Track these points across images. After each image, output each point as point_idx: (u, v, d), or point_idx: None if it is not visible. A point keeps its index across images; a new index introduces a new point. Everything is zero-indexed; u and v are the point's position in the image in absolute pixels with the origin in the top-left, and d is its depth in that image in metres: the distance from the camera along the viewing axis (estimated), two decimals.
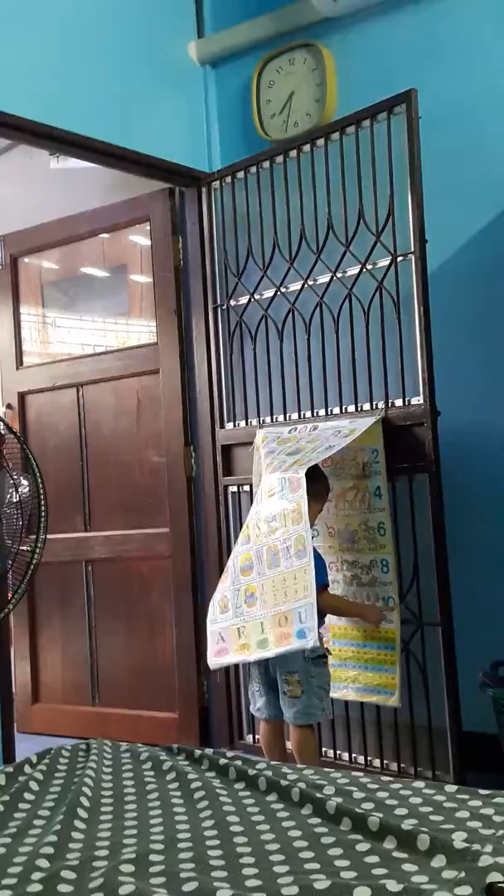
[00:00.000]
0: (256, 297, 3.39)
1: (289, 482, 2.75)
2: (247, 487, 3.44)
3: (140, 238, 3.84)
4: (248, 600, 2.86)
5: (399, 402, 2.94)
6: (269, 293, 3.34)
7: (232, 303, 3.50)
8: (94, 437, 3.91)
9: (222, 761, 1.94)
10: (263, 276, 3.34)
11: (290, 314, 3.28)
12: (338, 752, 3.17)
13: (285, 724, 2.83)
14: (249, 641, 2.80)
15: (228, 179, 3.48)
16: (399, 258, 2.92)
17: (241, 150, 3.53)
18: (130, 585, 3.82)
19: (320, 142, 3.16)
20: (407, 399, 2.92)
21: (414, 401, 2.90)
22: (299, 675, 2.71)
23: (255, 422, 3.41)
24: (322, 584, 2.74)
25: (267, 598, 2.76)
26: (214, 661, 2.91)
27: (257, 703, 2.88)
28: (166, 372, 3.67)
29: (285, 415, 3.30)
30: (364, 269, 3.02)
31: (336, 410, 3.13)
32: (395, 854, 1.45)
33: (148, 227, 3.72)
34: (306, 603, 2.61)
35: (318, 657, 2.73)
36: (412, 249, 2.88)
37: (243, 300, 3.44)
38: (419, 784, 1.80)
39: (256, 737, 3.43)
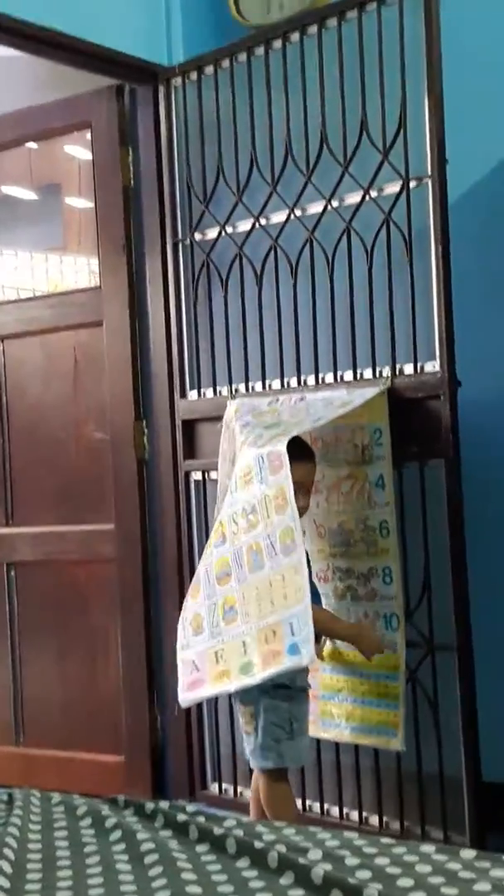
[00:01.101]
0: (229, 229, 3.37)
1: (268, 460, 2.72)
2: (214, 474, 3.43)
3: (78, 150, 3.82)
4: (226, 615, 2.85)
5: (409, 369, 2.95)
6: (245, 225, 3.33)
7: (197, 237, 3.49)
8: (18, 407, 3.89)
9: (181, 817, 1.95)
10: (238, 202, 3.33)
11: (272, 253, 3.27)
12: (325, 806, 3.21)
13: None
14: (230, 667, 2.79)
15: (194, 76, 3.46)
16: (412, 183, 2.92)
17: (211, 38, 3.51)
18: (65, 596, 3.83)
19: (312, 29, 3.15)
20: (419, 365, 2.93)
21: (428, 367, 2.91)
22: (254, 707, 2.75)
23: (224, 391, 3.42)
24: None
25: (250, 609, 2.73)
26: (187, 696, 2.90)
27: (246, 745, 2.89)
28: (112, 324, 3.67)
29: (264, 383, 3.31)
30: (367, 197, 3.02)
31: (329, 378, 3.13)
32: None
33: (88, 136, 3.69)
34: (299, 610, 2.57)
35: (278, 686, 2.74)
36: (428, 173, 2.87)
37: (212, 234, 3.43)
38: (428, 848, 1.82)
39: (224, 786, 3.47)
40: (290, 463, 2.65)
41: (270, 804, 2.80)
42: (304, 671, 2.77)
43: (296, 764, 2.88)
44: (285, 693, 2.77)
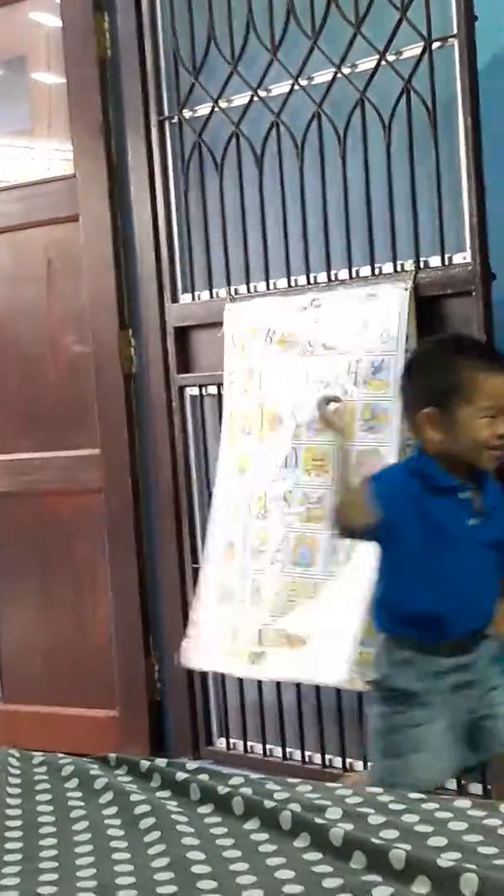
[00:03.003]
0: (223, 104, 3.34)
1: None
2: (213, 389, 3.43)
3: (45, 16, 3.76)
4: (254, 596, 3.03)
5: (435, 262, 2.93)
6: (241, 99, 3.30)
7: (187, 114, 3.45)
8: None
9: (180, 776, 1.94)
10: (233, 72, 3.30)
11: (275, 130, 3.24)
12: (349, 761, 3.23)
13: None
14: (240, 650, 2.97)
15: None
16: (434, 45, 2.88)
17: None
18: (46, 532, 3.83)
19: None
20: (447, 256, 2.91)
21: (457, 258, 2.89)
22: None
23: (222, 292, 3.40)
24: None
25: (280, 601, 2.90)
26: (192, 658, 3.05)
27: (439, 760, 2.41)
28: (89, 219, 3.64)
29: (267, 282, 3.29)
30: (383, 62, 2.97)
31: (343, 275, 3.11)
32: None
33: None
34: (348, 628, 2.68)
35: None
36: (454, 31, 2.83)
37: (204, 110, 3.40)
38: (464, 803, 1.80)
39: (232, 741, 3.49)
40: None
41: None
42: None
43: None
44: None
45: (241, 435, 3.21)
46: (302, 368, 3.04)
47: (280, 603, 2.96)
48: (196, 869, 1.62)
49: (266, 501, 3.07)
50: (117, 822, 1.82)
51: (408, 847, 1.59)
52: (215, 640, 3.07)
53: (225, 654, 3.01)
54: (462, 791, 2.95)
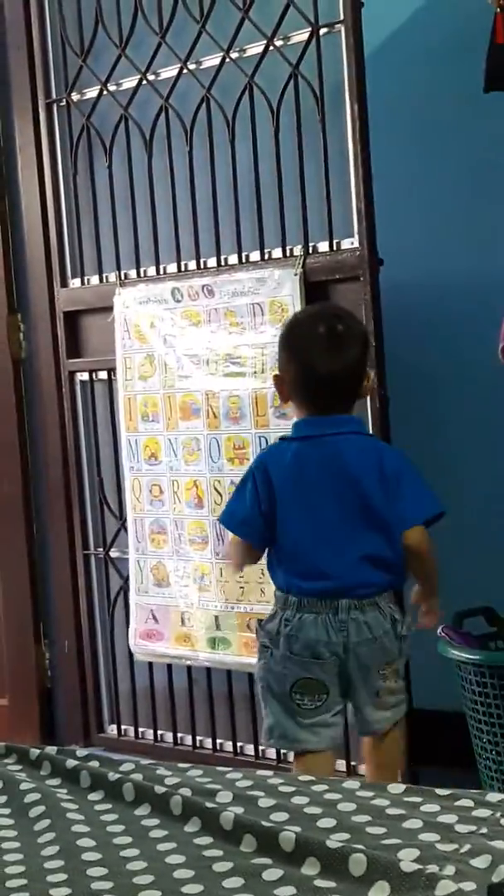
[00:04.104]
0: (112, 87, 3.32)
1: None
2: (103, 374, 3.41)
3: None
4: (198, 582, 3.10)
5: (324, 247, 2.94)
6: (130, 82, 3.28)
7: (75, 97, 3.42)
8: None
9: (70, 763, 1.93)
10: (121, 55, 3.28)
11: (163, 114, 3.22)
12: (239, 744, 3.23)
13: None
14: (197, 635, 3.07)
15: None
16: (322, 30, 2.88)
17: None
18: None
19: None
20: (335, 242, 2.91)
21: (345, 244, 2.90)
22: (397, 662, 2.54)
23: (112, 277, 3.38)
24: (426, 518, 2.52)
25: (228, 588, 3.00)
26: (141, 644, 3.15)
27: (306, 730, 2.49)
28: None
29: (158, 266, 3.28)
30: (271, 47, 2.97)
31: (233, 259, 3.11)
32: (319, 883, 1.46)
33: None
34: None
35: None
36: (340, 17, 2.83)
37: (92, 93, 3.37)
38: (353, 784, 1.81)
39: (124, 728, 3.48)
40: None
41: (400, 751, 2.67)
42: None
43: None
44: None
45: (141, 421, 3.20)
46: (204, 357, 3.06)
47: (234, 589, 3.00)
48: (86, 856, 1.60)
49: (198, 490, 3.10)
50: (6, 811, 1.80)
51: (297, 829, 1.59)
52: (163, 624, 3.10)
53: (177, 638, 3.05)
54: (351, 772, 2.98)
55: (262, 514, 2.45)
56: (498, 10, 2.50)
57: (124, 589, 3.39)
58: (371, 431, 2.80)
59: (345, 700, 2.49)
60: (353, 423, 2.47)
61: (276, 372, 2.52)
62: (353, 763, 2.99)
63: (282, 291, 2.92)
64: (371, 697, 2.47)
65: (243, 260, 3.08)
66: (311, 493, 2.42)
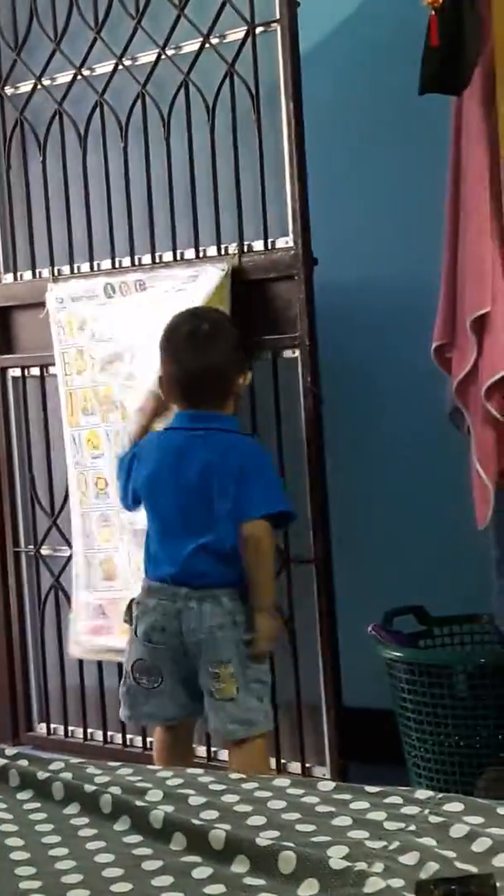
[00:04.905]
0: (46, 82, 3.31)
1: None
2: (35, 371, 3.38)
3: None
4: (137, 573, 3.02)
5: (259, 246, 2.94)
6: (65, 77, 3.27)
7: (8, 90, 3.41)
8: None
9: (0, 762, 1.92)
10: (56, 50, 3.26)
11: (98, 110, 3.21)
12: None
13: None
14: None
15: None
16: (258, 29, 2.88)
17: None
18: None
19: None
20: (270, 241, 2.92)
21: (280, 243, 2.90)
22: (233, 666, 2.53)
23: (46, 272, 3.36)
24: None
25: None
26: (92, 640, 3.18)
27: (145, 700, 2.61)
28: None
29: (92, 263, 3.27)
30: (207, 45, 2.97)
31: (168, 257, 3.10)
32: (248, 881, 1.47)
33: None
34: None
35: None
36: (276, 16, 2.83)
37: (26, 87, 3.36)
38: (282, 782, 1.82)
39: (53, 726, 3.45)
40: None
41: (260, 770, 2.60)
42: None
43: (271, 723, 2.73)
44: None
45: (82, 415, 3.19)
46: (126, 350, 3.04)
47: None
48: (14, 855, 1.60)
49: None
50: None
51: (227, 827, 1.59)
52: (112, 618, 3.08)
53: (122, 633, 3.06)
54: (282, 770, 2.98)
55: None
56: (433, 12, 2.51)
57: (55, 587, 3.37)
58: (307, 431, 2.81)
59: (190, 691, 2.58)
60: (219, 420, 2.56)
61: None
62: (283, 761, 3.00)
63: (209, 287, 2.89)
64: (209, 697, 2.53)
65: (178, 257, 3.07)
66: (163, 483, 2.55)
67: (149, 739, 3.23)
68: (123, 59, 3.13)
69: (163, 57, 3.05)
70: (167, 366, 2.58)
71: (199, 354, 2.52)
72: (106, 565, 3.17)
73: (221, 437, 2.55)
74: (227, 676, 2.50)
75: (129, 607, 2.61)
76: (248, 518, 2.49)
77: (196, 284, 2.92)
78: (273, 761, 2.97)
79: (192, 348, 2.53)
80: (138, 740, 3.25)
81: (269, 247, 2.91)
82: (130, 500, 2.67)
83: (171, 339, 2.57)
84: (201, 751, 3.12)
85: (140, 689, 2.57)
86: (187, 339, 2.54)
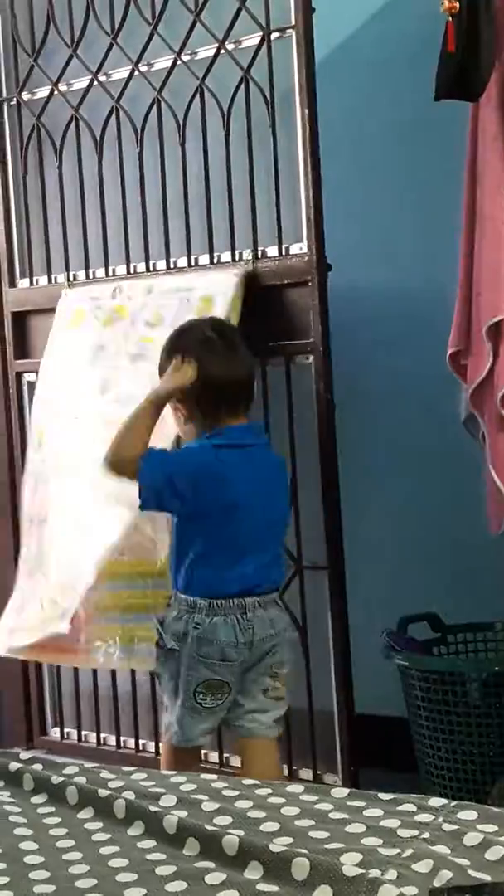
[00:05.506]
0: (62, 87, 3.32)
1: None
2: None
3: None
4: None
5: (273, 252, 2.94)
6: (81, 83, 3.28)
7: (25, 96, 3.42)
8: None
9: (14, 766, 1.92)
10: (73, 55, 3.27)
11: (114, 116, 3.22)
12: (202, 751, 3.20)
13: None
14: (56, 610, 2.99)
15: None
16: (273, 35, 2.88)
17: None
18: None
19: None
20: (284, 247, 2.92)
21: (294, 249, 2.90)
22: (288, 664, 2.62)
23: (61, 278, 3.37)
24: None
25: None
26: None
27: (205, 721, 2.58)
28: None
29: (107, 268, 3.27)
30: (222, 51, 2.97)
31: (182, 262, 3.11)
32: (262, 887, 1.46)
33: None
34: None
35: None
36: (292, 23, 2.84)
37: (43, 93, 3.37)
38: (296, 788, 1.82)
39: (66, 731, 3.46)
40: None
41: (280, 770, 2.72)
42: None
43: None
44: None
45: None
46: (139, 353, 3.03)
47: None
48: (29, 859, 1.60)
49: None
50: None
51: (241, 833, 1.59)
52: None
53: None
54: (293, 776, 2.98)
55: None
56: (450, 17, 2.51)
57: None
58: (320, 437, 2.82)
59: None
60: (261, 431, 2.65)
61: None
62: (294, 767, 2.99)
63: (227, 294, 2.89)
64: (261, 696, 2.56)
65: (192, 263, 3.07)
66: (251, 502, 2.54)
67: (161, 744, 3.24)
68: (139, 64, 3.13)
69: (178, 63, 3.05)
70: (207, 372, 2.48)
71: (243, 361, 2.53)
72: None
73: (268, 451, 2.62)
74: (283, 677, 2.56)
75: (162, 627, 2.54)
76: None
77: (211, 290, 2.92)
78: (285, 767, 2.97)
79: (235, 355, 2.52)
80: (151, 745, 3.25)
81: (284, 253, 2.91)
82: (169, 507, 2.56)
83: (206, 346, 2.51)
84: (213, 756, 3.13)
85: (203, 708, 2.53)
86: (227, 346, 2.51)
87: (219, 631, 2.46)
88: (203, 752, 3.11)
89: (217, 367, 2.49)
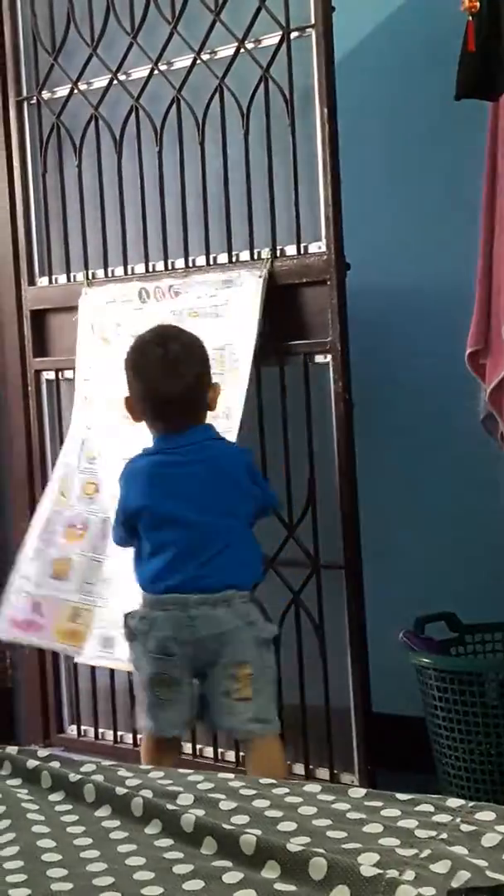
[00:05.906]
0: (82, 86, 3.32)
1: None
2: (69, 374, 3.39)
3: None
4: (106, 581, 3.06)
5: (291, 250, 2.94)
6: (101, 82, 3.28)
7: (45, 95, 3.42)
8: None
9: (31, 763, 1.92)
10: (93, 54, 3.27)
11: (134, 115, 3.22)
12: (199, 746, 3.21)
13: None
14: (86, 632, 3.02)
15: None
16: (293, 34, 2.88)
17: None
18: None
19: None
20: (303, 245, 2.91)
21: (312, 248, 2.90)
22: (251, 666, 2.57)
23: (80, 276, 3.37)
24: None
25: (121, 587, 2.90)
26: (14, 632, 3.11)
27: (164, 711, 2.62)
28: None
29: (126, 266, 3.28)
30: (242, 50, 2.97)
31: (200, 261, 3.10)
32: (279, 887, 1.46)
33: None
34: None
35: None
36: (312, 21, 2.83)
37: (62, 92, 3.37)
38: (313, 788, 1.81)
39: (84, 728, 3.46)
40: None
41: (283, 766, 2.69)
42: None
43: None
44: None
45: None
46: None
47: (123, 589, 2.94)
48: (46, 857, 1.60)
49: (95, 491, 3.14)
50: None
51: (258, 832, 1.59)
52: (49, 618, 3.08)
53: (63, 635, 3.07)
54: (310, 775, 2.98)
55: None
56: (470, 17, 2.50)
57: None
58: (338, 436, 2.81)
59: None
60: (204, 430, 2.62)
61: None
62: (310, 766, 2.99)
63: (246, 294, 2.90)
64: (223, 698, 2.56)
65: (211, 262, 3.07)
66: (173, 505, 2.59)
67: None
68: (159, 63, 3.13)
69: (198, 62, 3.05)
70: (136, 387, 2.59)
71: (181, 377, 2.54)
72: (59, 564, 3.14)
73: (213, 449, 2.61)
74: (246, 677, 2.52)
75: (127, 623, 2.61)
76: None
77: (231, 290, 2.93)
78: (301, 767, 2.97)
79: (172, 371, 2.54)
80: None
81: (302, 252, 2.91)
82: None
83: (141, 360, 2.58)
84: (208, 752, 3.15)
85: (161, 700, 2.58)
86: (164, 362, 2.54)
87: (159, 625, 2.52)
88: (198, 747, 3.15)
89: (146, 383, 2.57)
